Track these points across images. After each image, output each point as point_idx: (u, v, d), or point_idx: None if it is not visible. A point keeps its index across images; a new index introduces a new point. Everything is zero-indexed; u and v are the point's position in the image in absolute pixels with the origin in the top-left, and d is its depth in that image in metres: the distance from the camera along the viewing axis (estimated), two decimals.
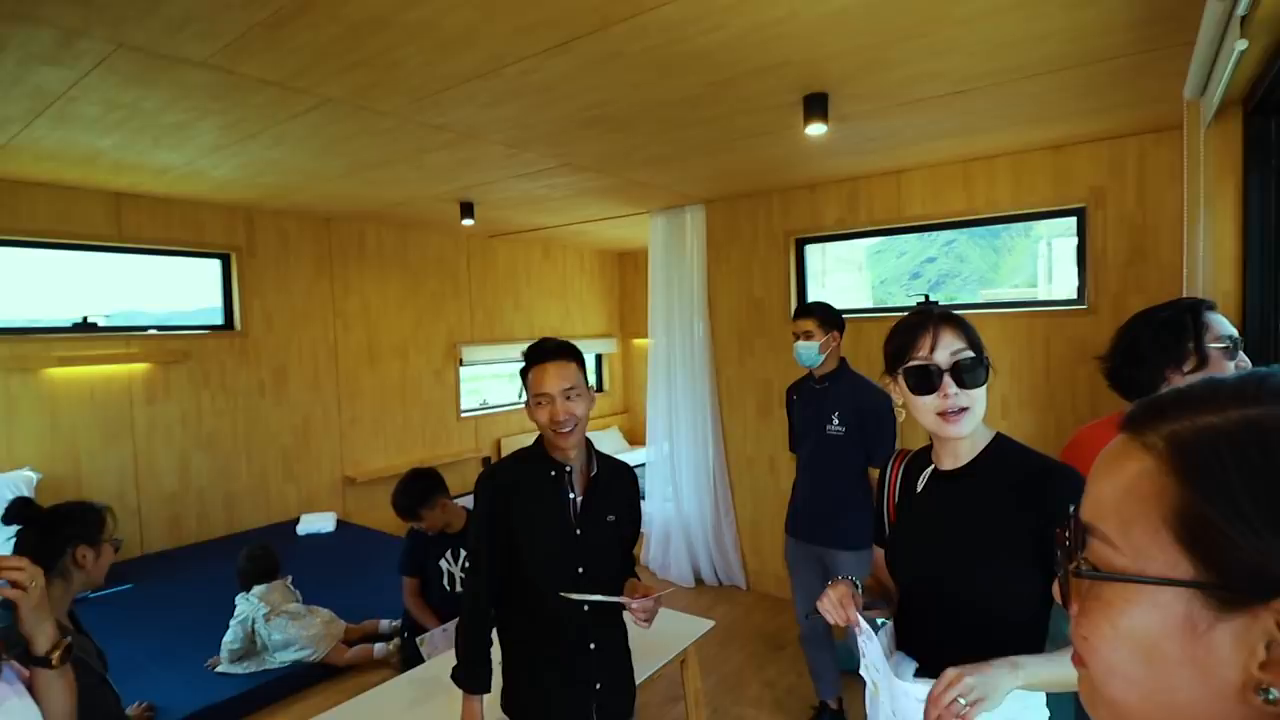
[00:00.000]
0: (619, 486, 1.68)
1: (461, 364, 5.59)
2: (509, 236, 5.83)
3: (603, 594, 1.53)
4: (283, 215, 4.41)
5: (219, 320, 4.24)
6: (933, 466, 1.34)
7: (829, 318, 2.76)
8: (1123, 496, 0.46)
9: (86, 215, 3.62)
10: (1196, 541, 0.42)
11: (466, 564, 2.62)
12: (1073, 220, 3.53)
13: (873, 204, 3.97)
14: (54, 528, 1.58)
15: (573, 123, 2.75)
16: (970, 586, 1.21)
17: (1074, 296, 3.57)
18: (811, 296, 4.39)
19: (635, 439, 7.03)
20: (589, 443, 1.66)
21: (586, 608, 1.55)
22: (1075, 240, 3.56)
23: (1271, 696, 0.40)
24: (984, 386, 1.23)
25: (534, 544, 1.56)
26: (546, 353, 1.56)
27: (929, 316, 1.25)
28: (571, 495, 1.58)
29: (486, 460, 5.83)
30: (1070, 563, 0.49)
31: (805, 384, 2.95)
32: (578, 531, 1.57)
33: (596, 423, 7.01)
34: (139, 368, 3.84)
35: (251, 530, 4.19)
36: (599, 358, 7.26)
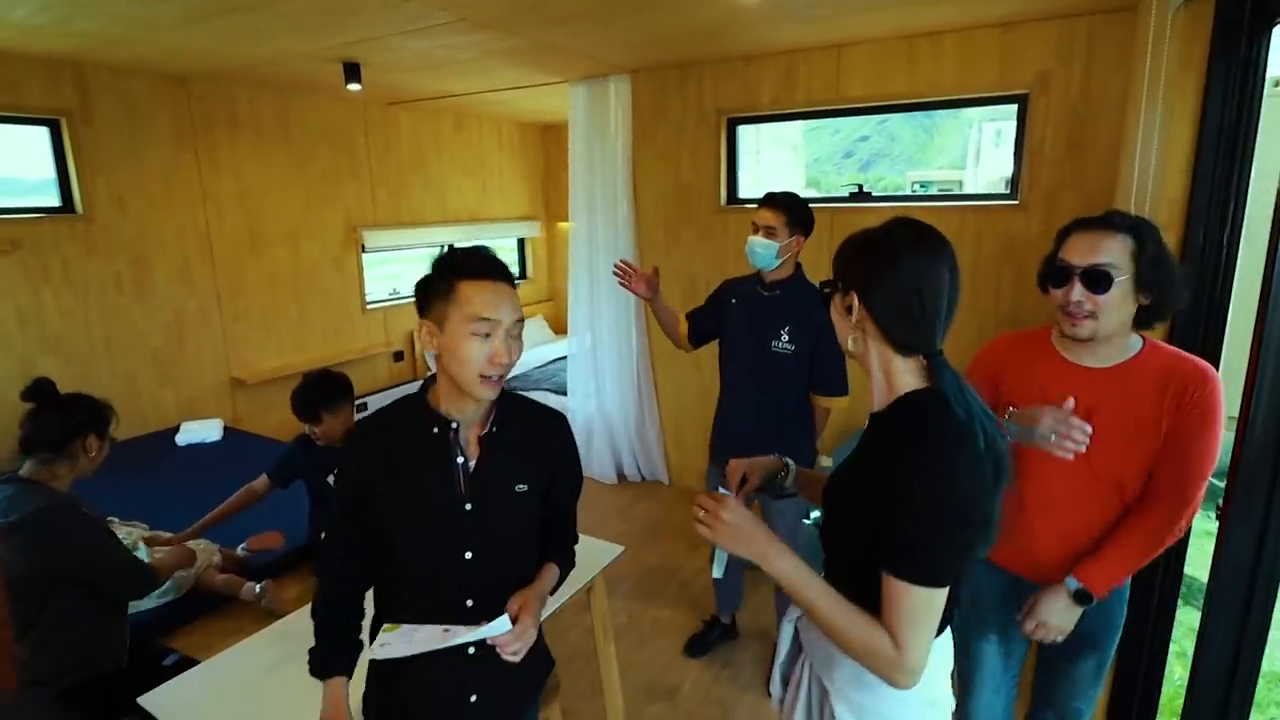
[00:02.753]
0: (538, 444, 1.31)
1: (364, 250, 5.09)
2: (413, 105, 5.18)
3: (499, 586, 1.23)
4: (125, 74, 3.69)
5: (55, 202, 3.61)
6: None
7: (799, 215, 2.29)
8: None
9: None
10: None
11: None
12: (1007, 106, 3.30)
13: (811, 82, 3.61)
14: (70, 413, 1.78)
15: None
16: None
17: (1006, 190, 3.41)
18: (744, 180, 4.09)
19: (560, 328, 6.77)
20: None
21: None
22: (1006, 125, 3.36)
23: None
24: None
25: (406, 525, 1.22)
26: (492, 266, 1.18)
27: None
28: (460, 460, 1.23)
29: (399, 355, 5.49)
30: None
31: (748, 288, 2.45)
32: (467, 506, 1.22)
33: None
34: None
35: (124, 442, 3.79)
36: (521, 242, 6.82)
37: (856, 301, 1.02)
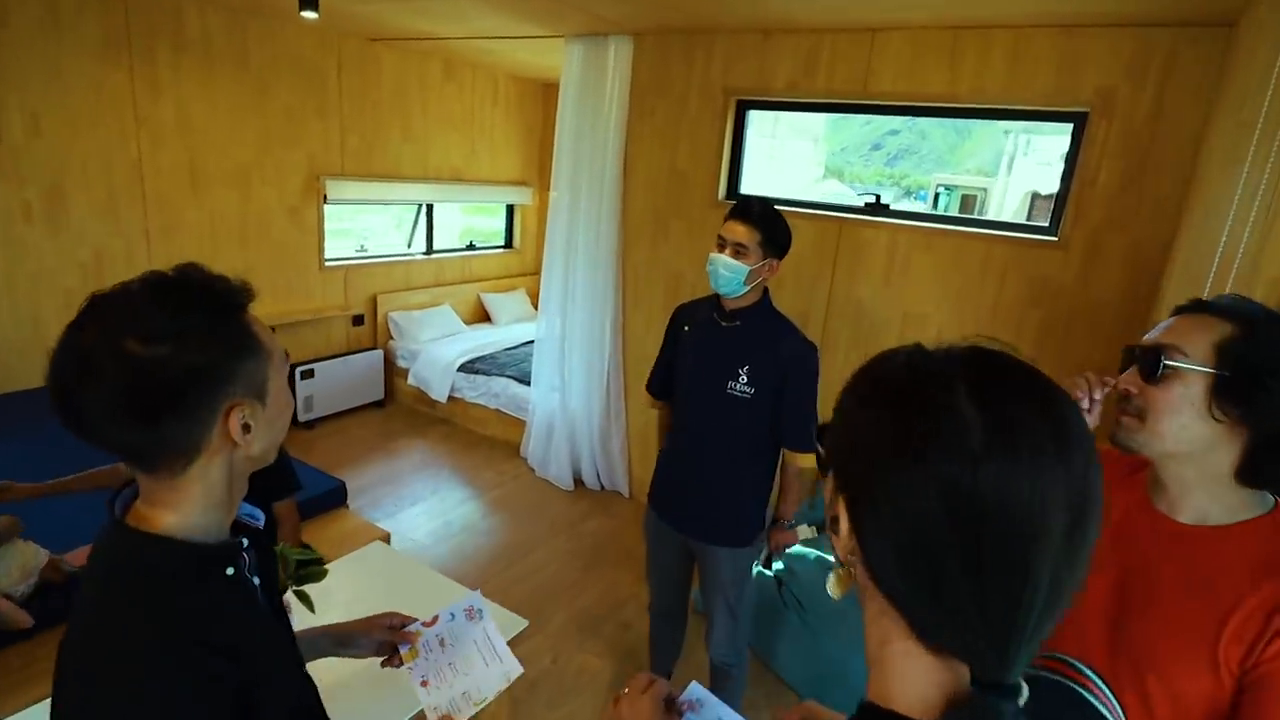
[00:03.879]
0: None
1: (326, 201, 4.62)
2: (397, 44, 4.67)
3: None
4: None
5: None
6: None
7: (775, 235, 1.85)
8: None
9: None
10: None
11: None
12: (1056, 121, 2.84)
13: (835, 69, 3.12)
14: None
15: None
16: None
17: (1038, 220, 2.95)
18: (749, 172, 3.61)
19: None
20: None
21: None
22: (1037, 138, 2.90)
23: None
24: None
25: (269, 699, 0.81)
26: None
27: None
28: (256, 581, 0.87)
29: (359, 319, 5.04)
30: None
31: (704, 314, 2.03)
32: (280, 617, 0.94)
33: (502, 283, 6.24)
34: None
35: (22, 392, 3.38)
36: (510, 209, 6.33)
37: (843, 513, 0.51)
